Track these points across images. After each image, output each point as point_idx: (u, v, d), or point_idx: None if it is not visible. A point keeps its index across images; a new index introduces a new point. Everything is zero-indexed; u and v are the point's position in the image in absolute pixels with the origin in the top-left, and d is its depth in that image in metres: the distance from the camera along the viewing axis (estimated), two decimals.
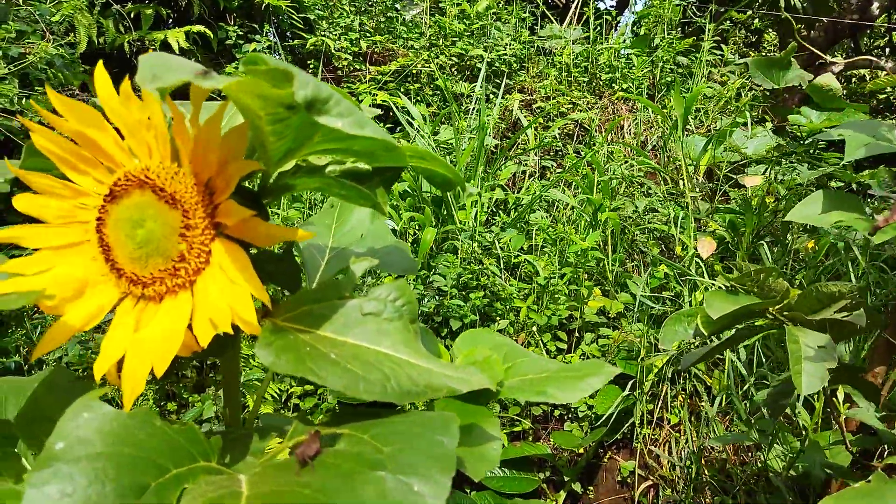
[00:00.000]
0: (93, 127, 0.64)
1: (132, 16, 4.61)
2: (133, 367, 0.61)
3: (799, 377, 0.99)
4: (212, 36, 4.56)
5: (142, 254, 0.64)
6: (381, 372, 0.58)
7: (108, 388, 0.84)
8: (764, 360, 2.26)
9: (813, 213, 1.95)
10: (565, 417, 2.58)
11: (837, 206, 1.91)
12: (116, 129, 0.65)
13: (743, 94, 4.20)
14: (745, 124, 3.64)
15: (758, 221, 2.91)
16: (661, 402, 2.42)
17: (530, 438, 2.53)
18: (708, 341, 1.55)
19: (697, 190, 3.24)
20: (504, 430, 2.44)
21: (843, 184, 4.08)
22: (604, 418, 2.39)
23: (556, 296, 2.67)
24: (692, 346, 1.22)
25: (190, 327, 0.63)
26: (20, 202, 0.67)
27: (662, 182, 3.42)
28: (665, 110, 3.51)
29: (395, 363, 0.60)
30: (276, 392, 2.63)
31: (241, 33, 4.87)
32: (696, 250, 2.61)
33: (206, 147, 0.60)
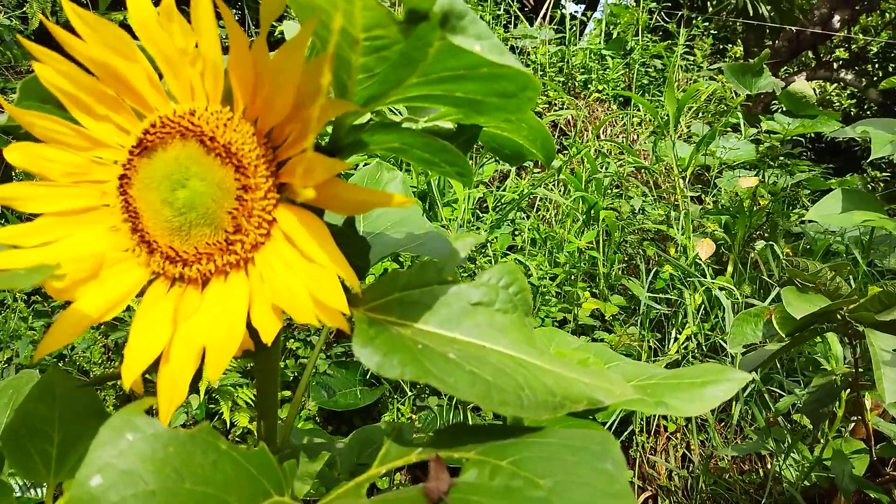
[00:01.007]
0: (120, 55, 0.49)
1: None
2: (175, 371, 0.47)
3: (881, 383, 0.90)
4: None
5: (183, 222, 0.50)
6: (513, 379, 0.45)
7: (110, 391, 0.68)
8: (779, 365, 2.20)
9: (832, 212, 1.90)
10: None
11: (858, 205, 1.85)
12: (150, 61, 0.50)
13: (726, 98, 4.19)
14: (737, 125, 3.62)
15: (749, 223, 2.87)
16: None
17: None
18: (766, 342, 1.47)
19: (687, 191, 3.19)
20: None
21: (811, 190, 4.11)
22: (605, 427, 2.30)
23: (548, 297, 2.57)
24: (757, 345, 1.13)
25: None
26: (14, 154, 0.51)
27: (653, 182, 3.37)
28: (658, 110, 3.47)
29: (523, 366, 0.47)
30: (249, 398, 2.46)
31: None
32: (696, 251, 2.55)
33: (279, 83, 0.46)
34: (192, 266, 0.50)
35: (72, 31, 0.48)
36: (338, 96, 0.52)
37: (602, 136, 4.72)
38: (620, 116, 4.42)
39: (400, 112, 0.67)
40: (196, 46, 0.49)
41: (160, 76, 0.51)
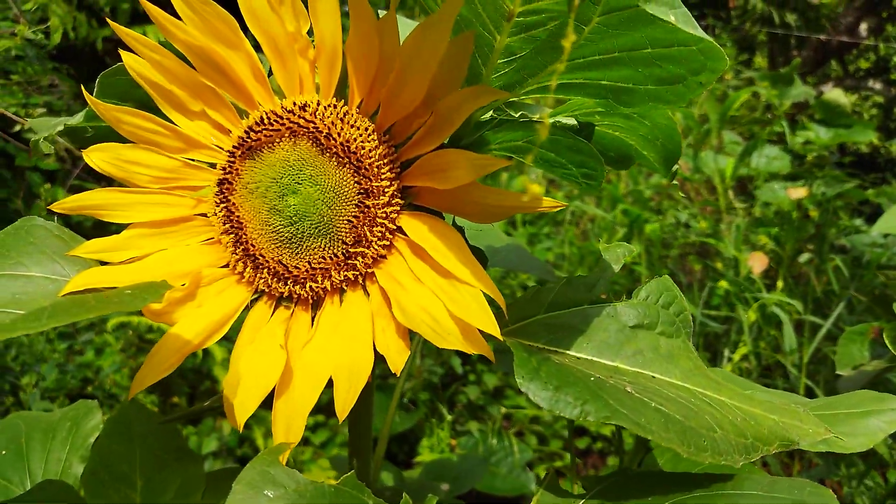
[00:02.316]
0: (223, 42, 0.43)
1: (108, 10, 4.35)
2: (294, 405, 0.41)
3: None
4: None
5: (294, 233, 0.44)
6: (702, 418, 0.38)
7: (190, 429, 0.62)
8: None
9: None
10: (606, 451, 2.39)
11: None
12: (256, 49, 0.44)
13: (757, 108, 4.11)
14: (781, 134, 3.54)
15: (798, 236, 2.79)
16: None
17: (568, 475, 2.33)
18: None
19: (734, 202, 3.10)
20: (543, 465, 2.23)
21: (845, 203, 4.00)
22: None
23: None
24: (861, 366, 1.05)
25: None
26: (97, 156, 0.46)
27: (694, 193, 3.28)
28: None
29: (707, 402, 0.40)
30: None
31: None
32: (749, 266, 2.46)
33: (412, 69, 0.40)
34: (305, 283, 0.44)
35: (172, 15, 0.43)
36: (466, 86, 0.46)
37: None
38: None
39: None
40: (308, 32, 0.43)
41: (265, 65, 0.45)
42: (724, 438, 0.37)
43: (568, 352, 0.42)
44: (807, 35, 7.94)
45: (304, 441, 2.35)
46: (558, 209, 0.41)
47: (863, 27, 9.17)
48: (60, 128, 0.50)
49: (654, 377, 0.41)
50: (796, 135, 4.06)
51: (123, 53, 0.45)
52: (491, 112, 0.53)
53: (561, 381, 0.36)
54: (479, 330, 0.39)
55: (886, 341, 0.88)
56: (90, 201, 0.45)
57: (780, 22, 8.29)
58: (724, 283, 2.32)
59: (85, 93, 0.45)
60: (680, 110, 3.43)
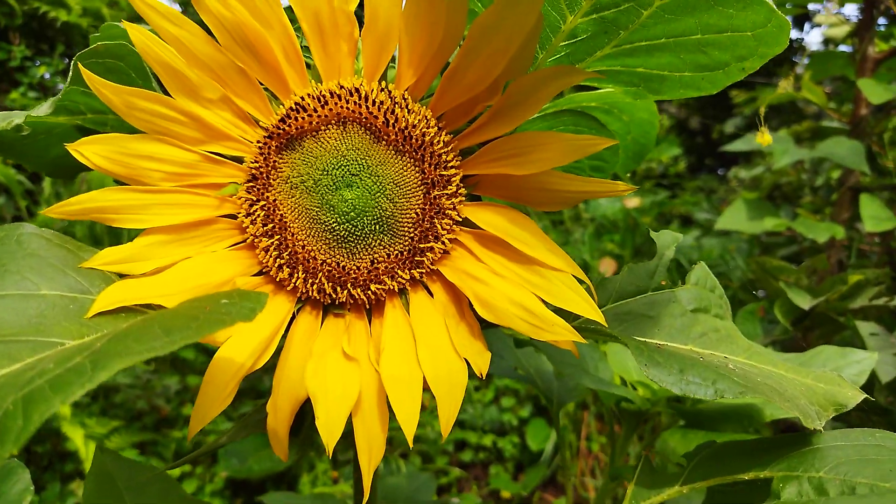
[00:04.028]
0: (257, 16, 0.38)
1: None
2: (375, 422, 0.36)
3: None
4: None
5: (350, 231, 0.39)
6: (785, 389, 0.40)
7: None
8: None
9: (740, 219, 2.04)
10: (490, 460, 2.41)
11: (762, 213, 2.01)
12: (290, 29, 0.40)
13: None
14: None
15: (634, 241, 3.04)
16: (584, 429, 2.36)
17: (454, 490, 2.30)
18: None
19: (580, 213, 3.31)
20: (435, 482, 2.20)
21: None
22: (538, 455, 2.27)
23: None
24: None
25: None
26: (92, 149, 0.38)
27: None
28: None
29: (772, 377, 0.42)
30: None
31: (28, 54, 4.15)
32: (602, 270, 2.64)
33: (484, 50, 0.38)
34: (368, 286, 0.39)
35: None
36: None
37: None
38: None
39: None
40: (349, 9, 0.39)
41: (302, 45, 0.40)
42: (806, 405, 0.39)
43: (644, 339, 0.42)
44: None
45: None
46: (632, 191, 0.40)
47: None
48: (19, 118, 0.41)
49: (725, 357, 0.42)
50: None
51: (129, 26, 0.38)
52: None
53: (682, 364, 0.36)
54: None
55: (778, 314, 0.99)
56: (96, 203, 0.38)
57: None
58: None
59: (85, 71, 0.37)
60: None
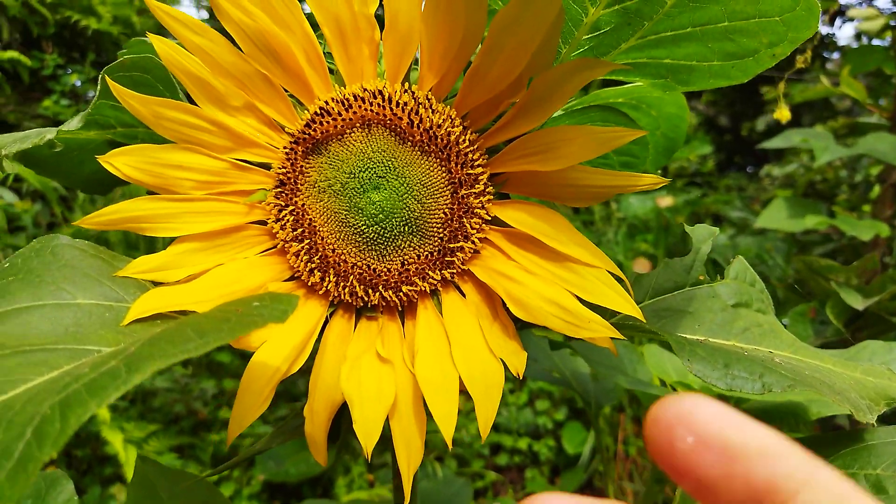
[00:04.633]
0: (279, 22, 0.39)
1: None
2: (413, 425, 0.37)
3: None
4: (28, 62, 3.92)
5: (379, 233, 0.40)
6: (835, 384, 0.39)
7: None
8: None
9: (781, 217, 2.00)
10: (525, 464, 2.40)
11: (803, 210, 1.96)
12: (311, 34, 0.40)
13: None
14: None
15: (667, 241, 3.01)
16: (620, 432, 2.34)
17: (490, 494, 2.31)
18: None
19: (613, 213, 3.28)
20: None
21: None
22: (576, 459, 2.26)
23: None
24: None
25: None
26: (122, 160, 0.39)
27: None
28: None
29: (819, 371, 0.41)
30: None
31: (60, 62, 4.27)
32: (636, 270, 2.61)
33: (506, 47, 0.38)
34: (399, 288, 0.40)
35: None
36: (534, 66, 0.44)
37: None
38: None
39: None
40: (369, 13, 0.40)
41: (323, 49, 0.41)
42: (857, 398, 0.38)
43: (684, 335, 0.41)
44: None
45: None
46: (662, 184, 0.40)
47: None
48: (33, 142, 0.43)
49: (770, 352, 0.41)
50: None
51: (154, 39, 0.39)
52: None
53: (727, 358, 0.35)
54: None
55: (830, 315, 0.97)
56: (128, 213, 0.39)
57: None
58: None
59: (112, 83, 0.38)
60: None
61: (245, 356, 0.38)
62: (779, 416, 0.58)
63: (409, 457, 0.37)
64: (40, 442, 0.19)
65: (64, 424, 0.19)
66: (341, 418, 0.57)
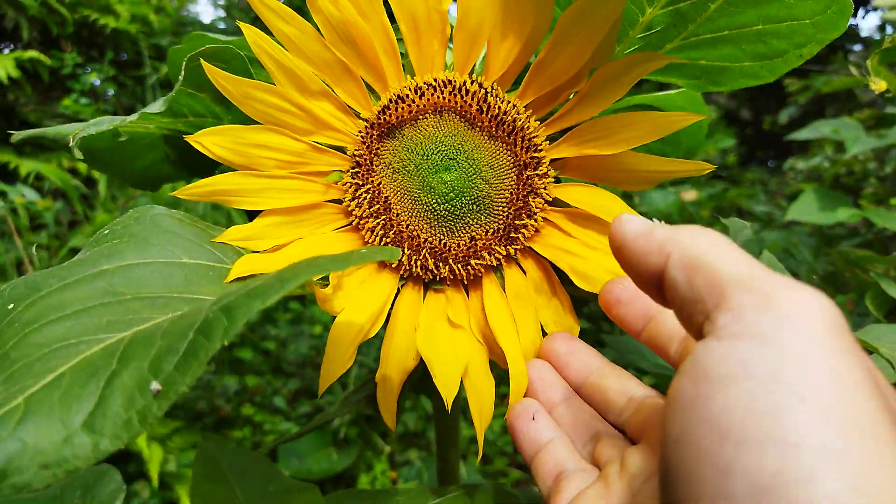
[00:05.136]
0: (361, 13, 0.43)
1: None
2: (483, 384, 0.40)
3: None
4: (48, 62, 4.01)
5: (449, 210, 0.43)
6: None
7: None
8: None
9: (811, 210, 2.01)
10: None
11: (834, 203, 1.98)
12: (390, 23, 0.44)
13: None
14: None
15: None
16: None
17: None
18: None
19: (638, 207, 3.30)
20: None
21: None
22: None
23: None
24: None
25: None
26: (212, 139, 0.43)
27: None
28: None
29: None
30: None
31: (80, 61, 4.35)
32: None
33: (572, 41, 0.41)
34: (468, 261, 0.44)
35: None
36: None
37: None
38: None
39: None
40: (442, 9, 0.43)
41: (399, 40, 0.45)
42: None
43: None
44: None
45: None
46: (705, 171, 0.43)
47: None
48: (115, 123, 0.46)
49: None
50: None
51: (245, 28, 0.43)
52: None
53: None
54: None
55: (870, 307, 0.99)
56: (219, 186, 0.43)
57: None
58: None
59: (207, 66, 0.42)
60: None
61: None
62: None
63: (481, 416, 0.40)
64: (209, 336, 0.23)
65: (231, 321, 0.23)
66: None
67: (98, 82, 4.66)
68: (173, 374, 0.22)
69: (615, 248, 0.30)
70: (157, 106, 0.48)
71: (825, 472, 0.20)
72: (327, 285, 0.40)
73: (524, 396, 0.39)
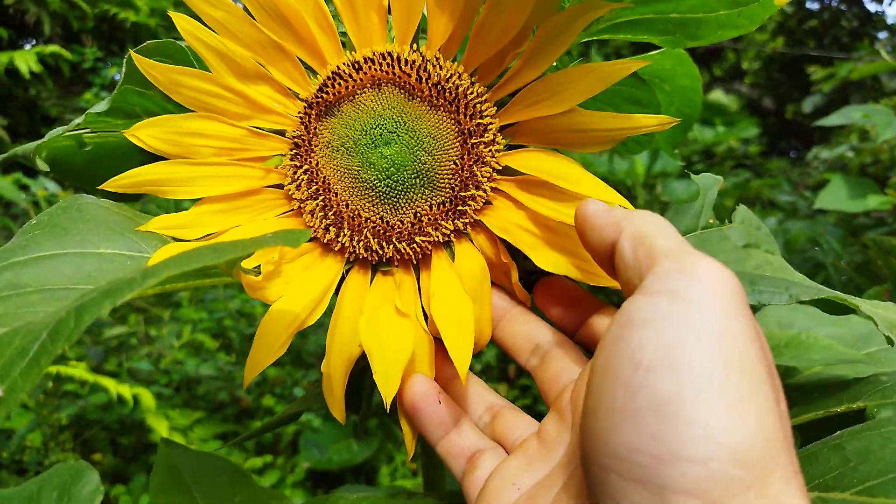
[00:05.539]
0: None
1: None
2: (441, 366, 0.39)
3: None
4: (69, 56, 4.08)
5: (392, 186, 0.42)
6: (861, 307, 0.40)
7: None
8: None
9: (841, 198, 1.95)
10: None
11: (863, 190, 1.92)
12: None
13: None
14: None
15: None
16: None
17: None
18: None
19: (658, 196, 3.25)
20: None
21: None
22: None
23: None
24: None
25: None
26: (146, 132, 0.42)
27: None
28: None
29: (836, 295, 0.42)
30: None
31: (100, 56, 4.41)
32: None
33: (510, 1, 0.39)
34: (413, 239, 0.42)
35: None
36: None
37: None
38: None
39: None
40: None
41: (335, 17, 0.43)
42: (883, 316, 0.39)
43: None
44: None
45: None
46: (670, 125, 0.41)
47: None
48: (59, 134, 0.46)
49: (786, 279, 0.43)
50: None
51: (175, 16, 0.42)
52: None
53: (750, 278, 0.38)
54: None
55: None
56: (150, 176, 0.42)
57: None
58: None
59: (135, 55, 0.41)
60: None
61: (289, 347, 0.41)
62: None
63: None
64: (54, 339, 0.22)
65: (78, 322, 0.22)
66: (362, 390, 0.60)
67: (118, 76, 4.72)
68: (16, 381, 0.21)
69: (579, 221, 0.36)
70: (101, 106, 0.47)
71: (709, 394, 0.26)
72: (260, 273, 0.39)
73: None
